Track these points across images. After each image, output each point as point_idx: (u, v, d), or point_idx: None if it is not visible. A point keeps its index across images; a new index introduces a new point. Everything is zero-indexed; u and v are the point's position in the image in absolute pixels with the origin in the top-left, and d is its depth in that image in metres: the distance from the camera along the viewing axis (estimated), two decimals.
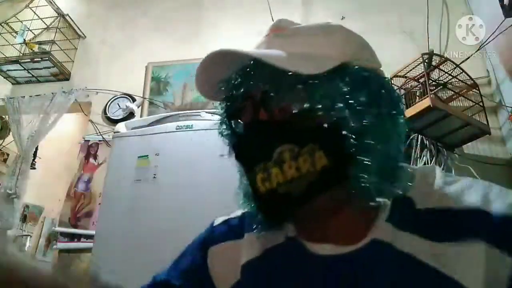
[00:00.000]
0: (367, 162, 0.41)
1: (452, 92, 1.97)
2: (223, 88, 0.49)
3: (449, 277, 0.37)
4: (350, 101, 0.42)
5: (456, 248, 0.38)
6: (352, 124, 0.41)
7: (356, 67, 0.45)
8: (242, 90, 0.45)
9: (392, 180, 0.42)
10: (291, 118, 0.43)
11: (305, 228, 0.49)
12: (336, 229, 0.45)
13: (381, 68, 0.51)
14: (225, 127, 0.52)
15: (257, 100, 0.45)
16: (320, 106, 0.42)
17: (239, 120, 0.49)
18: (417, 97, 1.99)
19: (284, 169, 0.41)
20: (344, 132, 0.41)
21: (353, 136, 0.41)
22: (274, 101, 0.44)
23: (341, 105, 0.42)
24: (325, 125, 0.42)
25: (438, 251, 0.38)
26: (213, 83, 0.49)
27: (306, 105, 0.42)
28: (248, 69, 0.45)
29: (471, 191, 0.41)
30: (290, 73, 0.41)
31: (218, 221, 0.60)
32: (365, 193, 0.41)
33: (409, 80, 2.04)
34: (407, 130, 0.47)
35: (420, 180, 0.45)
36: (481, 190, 0.41)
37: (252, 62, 0.44)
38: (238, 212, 0.59)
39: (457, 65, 1.93)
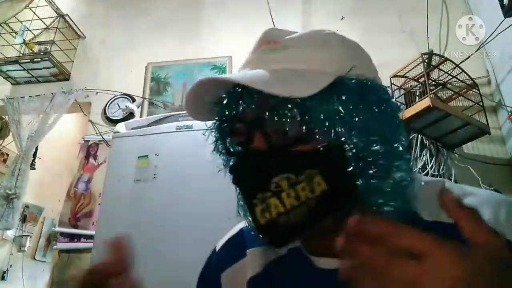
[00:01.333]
0: (371, 181, 0.39)
1: (452, 92, 1.97)
2: (214, 110, 0.47)
3: None
4: (347, 120, 0.40)
5: None
6: (351, 144, 0.39)
7: (353, 80, 0.42)
8: (233, 113, 0.43)
9: (400, 196, 0.40)
10: (286, 143, 0.41)
11: (309, 243, 0.47)
12: None
13: (378, 75, 0.50)
14: (221, 146, 0.49)
15: (250, 125, 0.43)
16: (315, 129, 0.40)
17: (235, 142, 0.47)
18: (417, 97, 1.99)
19: (282, 198, 0.39)
20: (342, 154, 0.39)
21: (353, 157, 0.39)
22: (267, 126, 0.42)
23: (338, 125, 0.40)
24: (322, 148, 0.40)
25: None
26: (203, 105, 0.47)
27: (300, 129, 0.40)
28: (238, 92, 0.43)
29: (479, 210, 0.40)
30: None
31: (220, 245, 0.60)
32: (371, 213, 0.39)
33: (408, 80, 2.05)
34: (406, 136, 0.45)
35: (429, 193, 0.43)
36: (491, 209, 0.40)
37: (240, 85, 0.42)
38: (237, 227, 0.59)
39: (457, 65, 1.94)
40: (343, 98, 0.40)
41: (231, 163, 0.47)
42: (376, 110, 0.42)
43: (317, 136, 0.40)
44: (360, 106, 0.41)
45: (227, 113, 0.44)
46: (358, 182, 0.39)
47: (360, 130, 0.40)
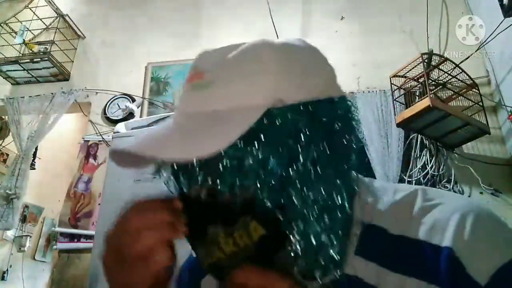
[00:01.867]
0: (303, 221, 0.37)
1: (452, 92, 1.97)
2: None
3: None
4: (272, 160, 0.37)
5: (418, 284, 0.37)
6: (277, 186, 0.37)
7: (289, 107, 0.38)
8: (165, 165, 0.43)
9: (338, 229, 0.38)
10: (216, 194, 0.39)
11: None
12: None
13: (334, 80, 0.44)
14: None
15: (186, 174, 0.41)
16: (236, 178, 0.37)
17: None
18: (417, 97, 1.99)
19: (221, 246, 0.38)
20: (268, 197, 0.37)
21: (282, 199, 0.37)
22: (196, 178, 0.39)
23: (262, 168, 0.37)
24: (250, 196, 0.37)
25: (401, 284, 0.38)
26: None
27: (222, 181, 0.38)
28: None
29: (444, 224, 0.38)
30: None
31: None
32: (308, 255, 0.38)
33: (408, 80, 2.05)
34: (361, 151, 0.42)
35: (398, 207, 0.42)
36: (457, 221, 0.37)
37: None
38: None
39: (457, 65, 1.94)
40: (267, 136, 0.37)
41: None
42: (315, 134, 0.38)
43: (242, 185, 0.37)
44: (287, 139, 0.38)
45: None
46: (293, 224, 0.37)
47: (288, 168, 0.37)
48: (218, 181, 0.38)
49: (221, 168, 0.37)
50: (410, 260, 0.38)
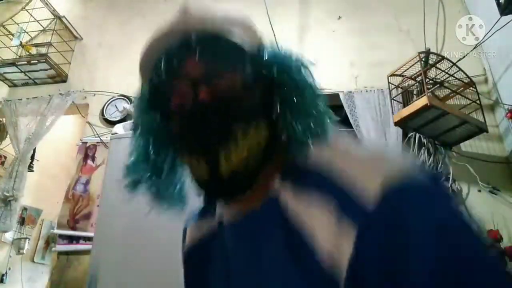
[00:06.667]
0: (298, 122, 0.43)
1: (449, 91, 1.98)
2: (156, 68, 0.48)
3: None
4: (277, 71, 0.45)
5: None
6: (283, 91, 0.44)
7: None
8: (178, 67, 0.44)
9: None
10: (236, 96, 0.42)
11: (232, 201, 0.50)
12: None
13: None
14: (149, 118, 0.49)
15: (196, 79, 0.42)
16: (260, 79, 0.44)
17: (173, 104, 0.45)
18: (414, 96, 1.99)
19: (240, 146, 0.41)
20: (278, 100, 0.44)
21: (286, 102, 0.44)
22: (217, 79, 0.42)
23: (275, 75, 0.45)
24: (264, 99, 0.44)
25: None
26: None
27: (248, 80, 0.43)
28: (186, 44, 0.44)
29: None
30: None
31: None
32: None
33: (406, 78, 2.05)
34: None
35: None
36: None
37: (194, 36, 0.44)
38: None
39: (454, 64, 1.94)
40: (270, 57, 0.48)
41: (173, 126, 0.46)
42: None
43: (260, 88, 0.44)
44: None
45: (167, 73, 0.45)
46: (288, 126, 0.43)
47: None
48: (244, 78, 0.43)
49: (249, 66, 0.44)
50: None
